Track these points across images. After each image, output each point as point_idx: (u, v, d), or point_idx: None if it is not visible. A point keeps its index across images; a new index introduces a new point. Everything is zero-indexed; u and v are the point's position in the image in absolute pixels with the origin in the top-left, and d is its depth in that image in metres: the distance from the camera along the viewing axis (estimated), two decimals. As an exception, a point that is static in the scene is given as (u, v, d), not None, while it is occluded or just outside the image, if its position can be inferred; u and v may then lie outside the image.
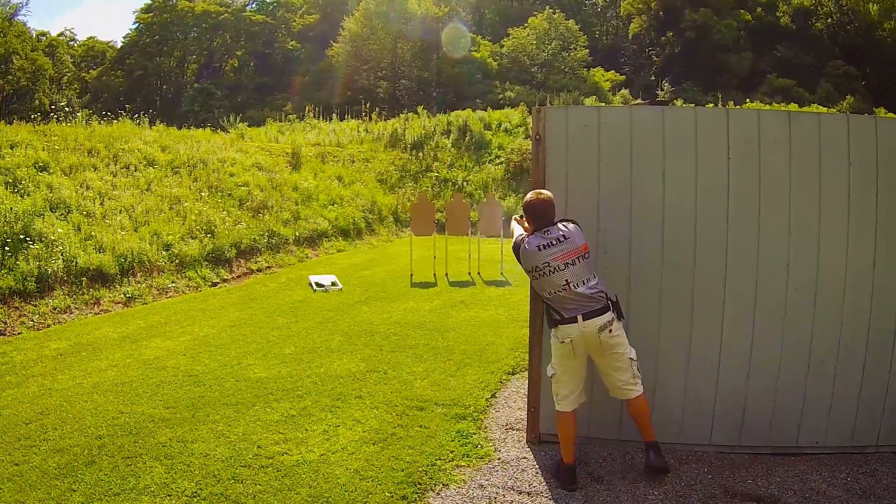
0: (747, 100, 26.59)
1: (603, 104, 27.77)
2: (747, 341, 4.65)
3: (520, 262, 4.36)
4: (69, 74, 51.83)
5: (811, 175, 4.54)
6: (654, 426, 4.37)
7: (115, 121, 16.26)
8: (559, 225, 4.26)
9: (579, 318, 4.13)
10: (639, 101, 20.28)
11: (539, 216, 4.29)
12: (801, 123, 4.58)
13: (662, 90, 38.80)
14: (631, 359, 4.27)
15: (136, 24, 51.54)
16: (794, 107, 26.48)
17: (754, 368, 4.67)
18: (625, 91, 39.18)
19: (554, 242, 4.16)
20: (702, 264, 4.64)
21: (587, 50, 43.79)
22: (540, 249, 4.17)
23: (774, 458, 4.65)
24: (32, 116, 17.38)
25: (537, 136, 4.69)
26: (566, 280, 4.12)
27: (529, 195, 4.38)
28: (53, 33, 54.44)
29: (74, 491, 4.17)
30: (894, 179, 4.52)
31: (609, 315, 4.17)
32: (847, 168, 4.52)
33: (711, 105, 25.93)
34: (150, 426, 5.12)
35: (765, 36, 43.48)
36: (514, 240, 4.44)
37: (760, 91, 36.62)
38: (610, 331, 4.16)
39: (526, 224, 4.46)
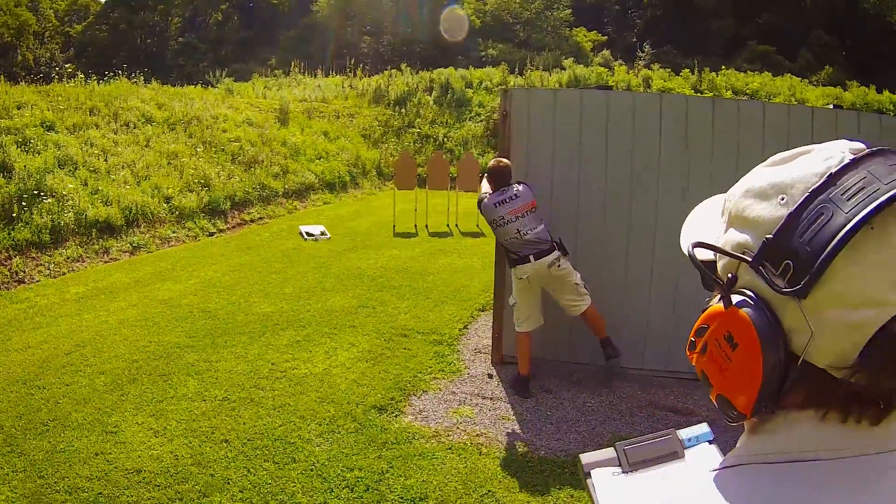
0: (722, 66, 27.31)
1: (581, 66, 28.47)
2: (673, 276, 5.55)
3: (482, 215, 5.40)
4: (51, 29, 51.28)
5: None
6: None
7: (112, 79, 16.75)
8: (514, 186, 5.25)
9: (531, 258, 5.15)
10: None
11: (498, 178, 5.30)
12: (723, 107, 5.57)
13: (643, 52, 39.40)
14: (576, 283, 5.29)
15: (121, -22, 50.92)
16: (767, 75, 27.24)
17: (679, 301, 5.58)
18: (606, 52, 39.61)
19: (507, 200, 5.17)
20: (634, 208, 5.62)
21: (570, 10, 44.14)
22: (496, 206, 5.19)
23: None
24: (16, 72, 17.68)
25: (504, 113, 5.66)
26: (517, 229, 5.14)
27: (492, 162, 5.42)
28: (37, -12, 53.60)
29: (124, 400, 5.04)
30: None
31: (556, 254, 5.20)
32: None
33: (687, 70, 26.67)
34: (178, 351, 6.05)
35: (749, 2, 43.93)
36: (478, 196, 5.45)
37: (741, 57, 37.25)
38: (559, 265, 5.19)
39: (489, 184, 5.44)
